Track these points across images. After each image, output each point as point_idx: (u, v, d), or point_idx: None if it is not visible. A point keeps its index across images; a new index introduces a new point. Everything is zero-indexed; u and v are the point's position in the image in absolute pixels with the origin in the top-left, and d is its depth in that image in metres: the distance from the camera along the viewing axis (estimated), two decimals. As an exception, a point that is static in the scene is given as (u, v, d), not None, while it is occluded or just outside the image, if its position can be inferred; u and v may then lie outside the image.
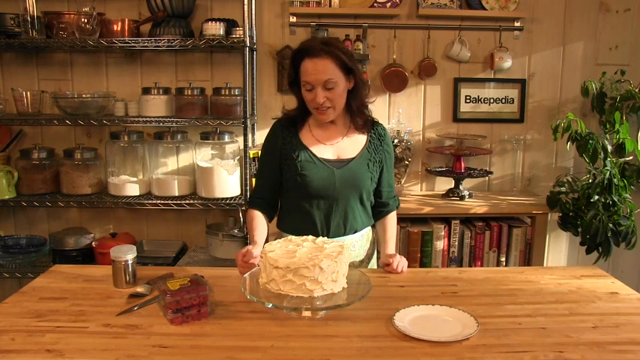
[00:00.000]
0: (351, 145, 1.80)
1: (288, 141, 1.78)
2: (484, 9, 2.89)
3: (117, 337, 1.31)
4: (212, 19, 2.67)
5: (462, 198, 2.85)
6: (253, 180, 1.94)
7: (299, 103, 1.81)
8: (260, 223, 1.81)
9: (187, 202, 2.72)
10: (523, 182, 3.12)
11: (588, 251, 2.62)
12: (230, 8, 2.84)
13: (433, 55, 2.96)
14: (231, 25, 2.70)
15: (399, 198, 2.01)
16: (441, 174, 2.94)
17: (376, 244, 2.00)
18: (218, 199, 2.73)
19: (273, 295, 1.42)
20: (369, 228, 1.92)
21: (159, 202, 2.72)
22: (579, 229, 2.65)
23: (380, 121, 1.89)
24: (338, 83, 1.67)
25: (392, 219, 1.93)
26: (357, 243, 1.85)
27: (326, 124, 1.79)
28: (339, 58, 1.66)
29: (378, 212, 1.91)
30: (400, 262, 1.76)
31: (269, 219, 1.89)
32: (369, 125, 1.84)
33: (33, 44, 2.64)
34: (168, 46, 2.62)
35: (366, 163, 1.79)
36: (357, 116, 1.80)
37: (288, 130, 1.80)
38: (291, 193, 1.82)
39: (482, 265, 2.76)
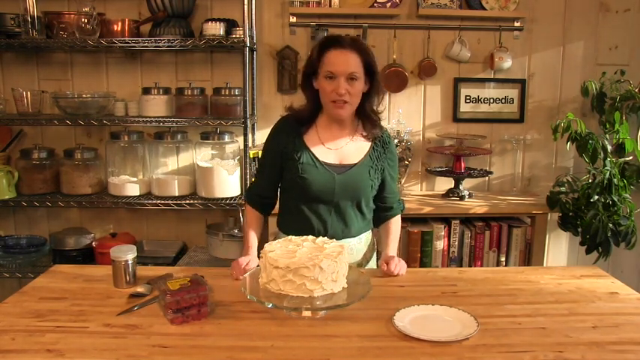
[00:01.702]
0: (355, 150, 1.79)
1: (292, 140, 1.77)
2: (484, 9, 2.89)
3: (117, 337, 1.31)
4: (212, 19, 2.67)
5: (461, 198, 2.85)
6: (254, 179, 1.96)
7: (309, 101, 1.78)
8: (255, 226, 1.84)
9: (187, 202, 2.72)
10: (523, 182, 3.12)
11: (588, 251, 2.62)
12: (230, 8, 2.84)
13: (433, 55, 2.96)
14: (231, 25, 2.70)
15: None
16: (441, 174, 2.94)
17: (376, 245, 1.99)
18: (218, 199, 2.73)
19: (273, 295, 1.42)
20: (369, 232, 1.91)
21: (159, 202, 2.72)
22: (579, 229, 2.65)
23: (385, 128, 1.87)
24: (359, 79, 1.68)
25: (396, 222, 1.91)
26: (354, 247, 1.84)
27: (334, 126, 1.78)
28: (366, 57, 1.68)
29: (383, 217, 1.90)
30: (398, 265, 1.74)
31: (266, 215, 1.90)
32: (376, 132, 1.81)
33: (33, 44, 2.64)
34: (168, 46, 2.62)
35: (367, 170, 1.77)
36: (367, 121, 1.78)
37: (293, 129, 1.78)
38: (290, 194, 1.81)
39: (482, 265, 2.76)
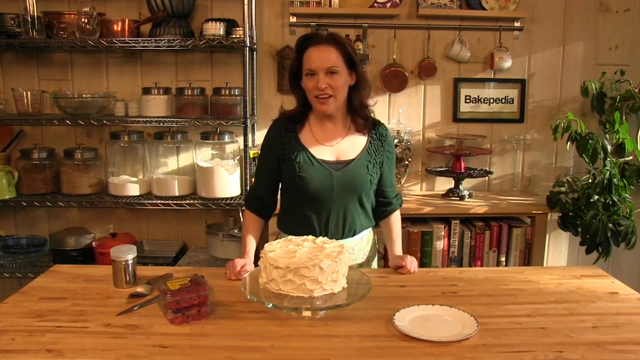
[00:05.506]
0: (351, 146, 1.78)
1: (287, 141, 1.76)
2: (484, 9, 2.89)
3: (117, 337, 1.31)
4: (212, 19, 2.68)
5: (461, 198, 2.85)
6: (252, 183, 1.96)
7: (299, 102, 1.79)
8: (253, 231, 1.84)
9: (187, 202, 2.72)
10: (523, 182, 3.12)
11: (588, 251, 2.62)
12: (230, 8, 2.84)
13: (433, 55, 2.96)
14: (231, 25, 2.70)
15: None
16: (441, 174, 2.94)
17: (377, 244, 1.99)
18: (218, 199, 2.73)
19: (273, 295, 1.42)
20: (370, 230, 1.89)
21: (159, 202, 2.72)
22: (579, 229, 2.65)
23: (382, 122, 1.87)
24: (340, 72, 1.67)
25: (396, 218, 1.91)
26: (356, 246, 1.83)
27: (326, 123, 1.77)
28: (344, 49, 1.68)
29: (382, 212, 1.89)
30: (412, 263, 1.76)
31: (266, 219, 1.89)
32: (370, 126, 1.81)
33: (33, 44, 2.64)
34: (168, 46, 2.62)
35: (365, 165, 1.76)
36: (358, 115, 1.78)
37: (287, 130, 1.78)
38: (289, 194, 1.81)
39: (482, 265, 2.76)
